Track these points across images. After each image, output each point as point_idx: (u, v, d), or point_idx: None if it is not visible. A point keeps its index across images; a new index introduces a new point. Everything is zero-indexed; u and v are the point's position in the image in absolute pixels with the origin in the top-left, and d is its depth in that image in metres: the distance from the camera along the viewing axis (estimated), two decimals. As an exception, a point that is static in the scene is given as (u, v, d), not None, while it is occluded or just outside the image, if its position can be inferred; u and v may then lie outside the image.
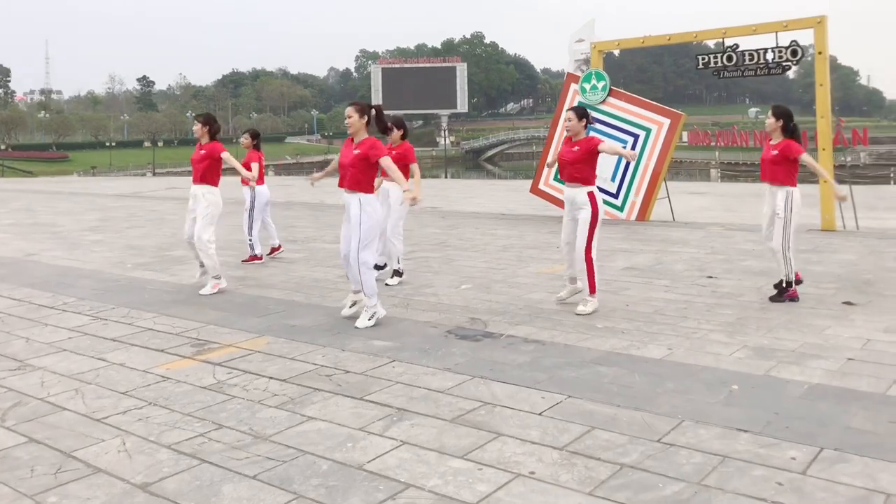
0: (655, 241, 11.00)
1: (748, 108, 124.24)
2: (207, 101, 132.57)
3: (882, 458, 3.38)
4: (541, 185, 15.11)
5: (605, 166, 14.10)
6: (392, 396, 4.36)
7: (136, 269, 9.07)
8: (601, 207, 6.53)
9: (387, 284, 7.61)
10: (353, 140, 5.94)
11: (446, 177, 59.03)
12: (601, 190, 14.09)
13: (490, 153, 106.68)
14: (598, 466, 3.37)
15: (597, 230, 6.43)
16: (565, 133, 6.58)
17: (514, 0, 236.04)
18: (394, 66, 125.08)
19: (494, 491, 3.16)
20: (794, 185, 6.70)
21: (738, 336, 5.56)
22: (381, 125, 6.12)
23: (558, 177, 15.12)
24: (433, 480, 3.27)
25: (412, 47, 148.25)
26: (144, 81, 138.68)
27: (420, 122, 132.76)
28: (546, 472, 3.32)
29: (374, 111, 5.95)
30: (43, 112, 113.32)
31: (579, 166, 6.39)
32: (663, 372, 4.74)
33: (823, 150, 11.99)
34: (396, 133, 7.69)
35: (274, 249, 9.84)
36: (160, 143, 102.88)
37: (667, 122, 13.38)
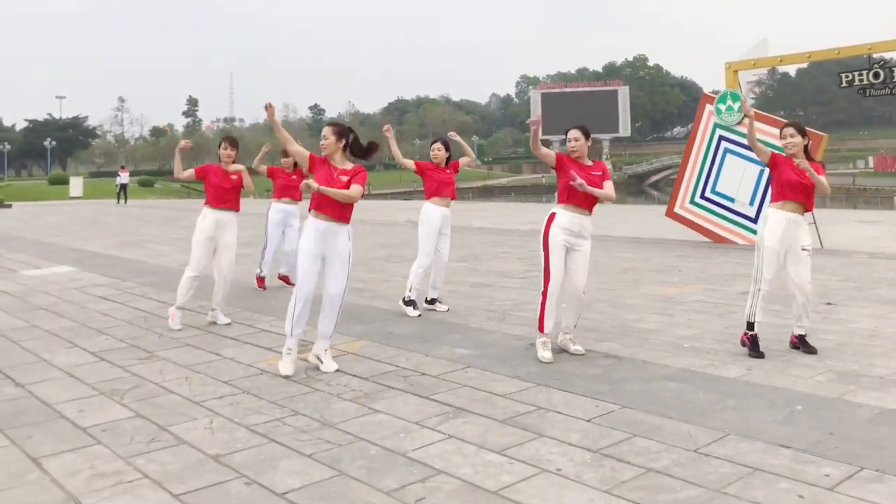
0: (787, 266, 10.54)
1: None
2: (374, 128, 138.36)
3: (923, 481, 3.28)
4: (676, 209, 14.83)
5: (743, 190, 13.68)
6: (455, 397, 4.65)
7: (273, 277, 9.86)
8: None
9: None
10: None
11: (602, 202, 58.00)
12: (740, 214, 13.90)
13: (654, 178, 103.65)
14: (625, 469, 3.50)
15: None
16: (573, 154, 5.77)
17: (680, 22, 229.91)
18: (553, 90, 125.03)
19: (516, 482, 3.37)
20: None
21: (828, 361, 5.39)
22: (359, 151, 5.46)
23: (694, 199, 14.85)
24: (464, 469, 3.53)
25: (573, 71, 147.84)
26: (316, 109, 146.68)
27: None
28: (572, 471, 3.49)
29: (352, 136, 5.43)
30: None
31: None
32: (731, 390, 4.72)
33: None
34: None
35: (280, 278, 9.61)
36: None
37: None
